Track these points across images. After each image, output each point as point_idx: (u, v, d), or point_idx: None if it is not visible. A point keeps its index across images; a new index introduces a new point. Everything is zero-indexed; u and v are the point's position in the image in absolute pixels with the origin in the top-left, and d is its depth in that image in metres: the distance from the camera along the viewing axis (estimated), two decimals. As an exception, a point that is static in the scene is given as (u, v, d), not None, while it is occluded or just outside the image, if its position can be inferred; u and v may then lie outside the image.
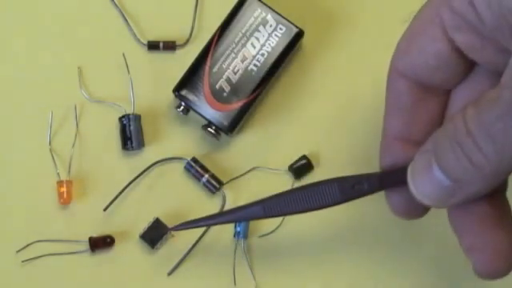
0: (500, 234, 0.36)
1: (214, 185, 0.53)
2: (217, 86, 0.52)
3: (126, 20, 0.55)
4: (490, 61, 0.35)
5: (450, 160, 0.33)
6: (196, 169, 0.53)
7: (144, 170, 0.54)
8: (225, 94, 0.52)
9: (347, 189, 0.39)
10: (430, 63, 0.36)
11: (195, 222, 0.42)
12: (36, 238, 0.53)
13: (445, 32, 0.35)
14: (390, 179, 0.38)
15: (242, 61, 0.52)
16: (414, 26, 0.37)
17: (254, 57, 0.52)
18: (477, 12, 0.33)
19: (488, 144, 0.32)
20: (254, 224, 0.53)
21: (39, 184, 0.53)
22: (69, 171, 0.53)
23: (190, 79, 0.52)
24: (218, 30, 0.52)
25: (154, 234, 0.53)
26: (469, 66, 0.37)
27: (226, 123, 0.52)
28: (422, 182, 0.35)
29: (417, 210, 0.39)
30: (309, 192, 0.39)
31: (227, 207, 0.53)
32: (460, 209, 0.36)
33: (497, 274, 0.36)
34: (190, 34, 0.55)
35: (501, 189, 0.37)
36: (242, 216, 0.41)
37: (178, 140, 0.54)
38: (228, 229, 0.53)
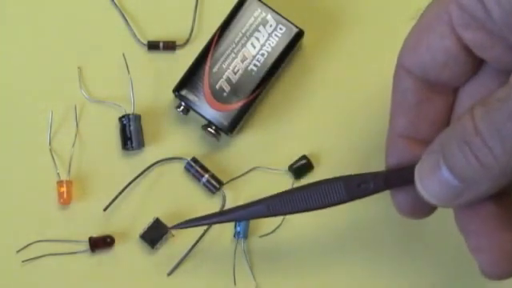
0: (507, 234, 0.36)
1: (214, 185, 0.53)
2: (217, 86, 0.52)
3: (126, 20, 0.55)
4: (499, 59, 0.35)
5: (458, 160, 0.33)
6: (196, 169, 0.53)
7: (144, 170, 0.54)
8: (225, 94, 0.52)
9: (353, 188, 0.38)
10: (438, 60, 0.36)
11: (196, 220, 0.41)
12: (36, 238, 0.53)
13: (453, 29, 0.35)
14: (396, 178, 0.38)
15: (242, 61, 0.52)
16: (422, 23, 0.36)
17: (254, 57, 0.52)
18: (486, 9, 0.33)
19: (497, 144, 0.32)
20: (254, 224, 0.53)
21: (39, 184, 0.53)
22: (69, 171, 0.53)
23: (190, 79, 0.52)
24: (218, 30, 0.52)
25: (154, 234, 0.53)
26: (477, 63, 0.36)
27: (226, 123, 0.52)
28: (430, 183, 0.35)
29: (423, 209, 0.39)
30: (314, 190, 0.38)
31: (227, 207, 0.53)
32: (467, 209, 0.36)
33: (503, 275, 0.36)
34: (190, 34, 0.55)
35: (508, 189, 0.36)
36: (246, 215, 0.40)
37: (178, 140, 0.54)
38: (228, 229, 0.53)
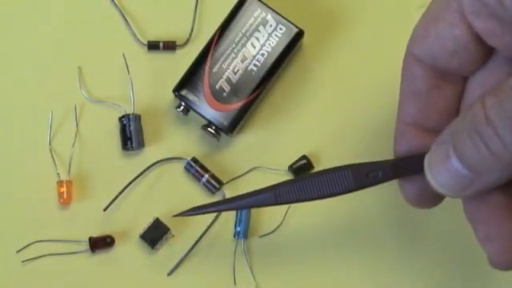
0: None
1: (214, 185, 0.53)
2: (217, 86, 0.52)
3: (126, 20, 0.55)
4: (510, 47, 0.35)
5: (468, 149, 0.33)
6: (196, 169, 0.53)
7: (144, 170, 0.54)
8: (225, 94, 0.52)
9: (361, 176, 0.38)
10: (448, 48, 0.36)
11: (201, 208, 0.41)
12: (36, 238, 0.53)
13: (463, 17, 0.35)
14: (405, 167, 0.38)
15: (242, 61, 0.52)
16: (432, 11, 0.36)
17: (254, 57, 0.52)
18: None
19: (508, 133, 0.32)
20: (254, 224, 0.53)
21: (39, 184, 0.53)
22: (69, 171, 0.53)
23: (190, 79, 0.52)
24: (218, 30, 0.52)
25: (154, 234, 0.53)
26: (487, 52, 0.36)
27: (226, 123, 0.52)
28: (440, 172, 0.35)
29: (431, 199, 0.39)
30: (322, 179, 0.38)
31: (227, 207, 0.53)
32: (475, 199, 0.36)
33: None
34: (190, 34, 0.55)
35: None
36: (252, 203, 0.39)
37: (178, 140, 0.54)
38: (228, 229, 0.53)
